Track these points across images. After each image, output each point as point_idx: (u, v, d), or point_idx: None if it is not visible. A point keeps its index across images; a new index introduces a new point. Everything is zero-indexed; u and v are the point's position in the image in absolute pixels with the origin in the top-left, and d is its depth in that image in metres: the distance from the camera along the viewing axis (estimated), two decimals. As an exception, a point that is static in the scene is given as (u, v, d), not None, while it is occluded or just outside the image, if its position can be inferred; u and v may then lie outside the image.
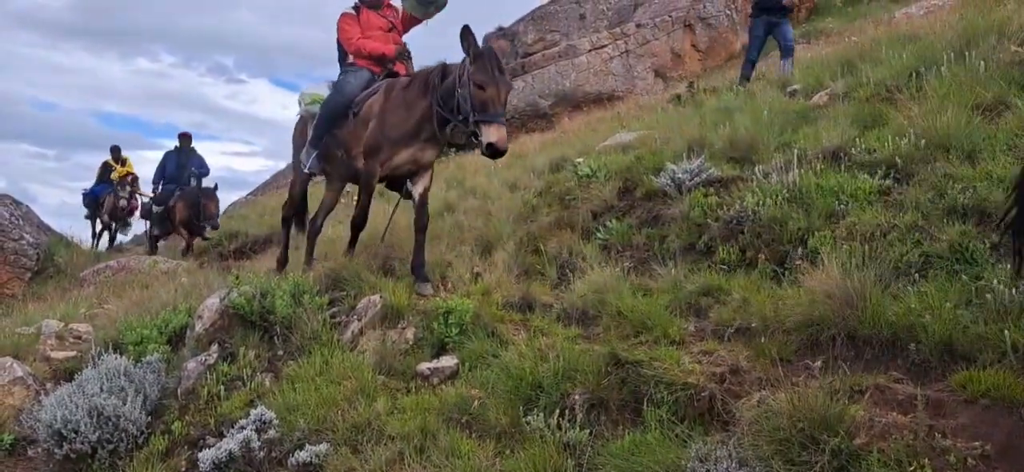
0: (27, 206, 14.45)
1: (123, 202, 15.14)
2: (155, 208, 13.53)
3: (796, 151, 5.22)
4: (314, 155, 6.08)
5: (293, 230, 7.15)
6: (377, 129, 5.45)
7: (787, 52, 9.44)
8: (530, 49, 20.53)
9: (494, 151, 4.80)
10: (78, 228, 19.24)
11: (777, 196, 4.82)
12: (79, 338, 6.26)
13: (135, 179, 15.65)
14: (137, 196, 15.50)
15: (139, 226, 15.84)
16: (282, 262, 6.87)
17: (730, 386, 3.38)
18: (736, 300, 4.13)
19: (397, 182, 5.86)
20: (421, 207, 5.44)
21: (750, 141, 5.85)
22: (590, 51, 15.35)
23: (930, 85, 5.59)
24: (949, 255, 3.84)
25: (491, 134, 4.77)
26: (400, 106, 5.43)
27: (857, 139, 5.23)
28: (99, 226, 16.26)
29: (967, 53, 5.85)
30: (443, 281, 5.36)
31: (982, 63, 5.55)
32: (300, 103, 6.48)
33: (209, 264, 10.09)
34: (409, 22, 6.30)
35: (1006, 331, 3.10)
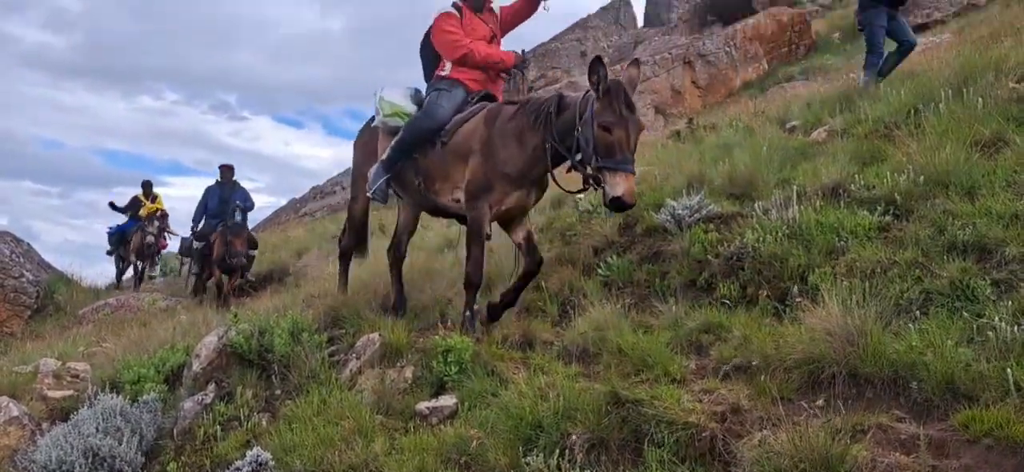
0: (28, 244, 14.46)
1: (150, 239, 14.53)
2: (196, 244, 12.74)
3: (795, 187, 5.22)
4: (384, 179, 5.32)
5: (353, 261, 6.38)
6: (486, 165, 4.79)
7: (908, 48, 8.34)
8: (532, 85, 20.69)
9: (619, 205, 4.25)
10: (79, 265, 19.20)
11: (777, 232, 4.81)
12: (76, 377, 6.21)
13: (165, 216, 15.15)
14: (166, 234, 15.00)
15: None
16: (400, 297, 5.86)
17: (731, 425, 3.35)
18: (737, 337, 4.11)
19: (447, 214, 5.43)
20: (532, 250, 4.98)
21: (749, 177, 5.86)
22: (590, 88, 15.43)
23: (928, 122, 5.60)
24: (950, 292, 3.82)
25: (618, 185, 4.19)
26: (511, 139, 4.79)
27: (856, 175, 5.24)
28: (123, 263, 15.66)
29: (965, 90, 5.88)
30: (442, 319, 5.33)
31: (980, 100, 5.57)
32: (378, 110, 5.52)
33: (208, 302, 10.07)
34: (508, 28, 5.72)
35: (1009, 369, 3.07)
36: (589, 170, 4.37)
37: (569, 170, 4.66)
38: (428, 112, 5.19)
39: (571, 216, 6.83)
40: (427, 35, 5.55)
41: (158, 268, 15.55)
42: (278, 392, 4.84)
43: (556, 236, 6.72)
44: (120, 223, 15.69)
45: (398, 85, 5.68)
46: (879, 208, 4.73)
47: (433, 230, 9.71)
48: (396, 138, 5.28)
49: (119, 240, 15.60)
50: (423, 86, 5.68)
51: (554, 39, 25.17)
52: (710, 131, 8.92)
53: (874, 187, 5.01)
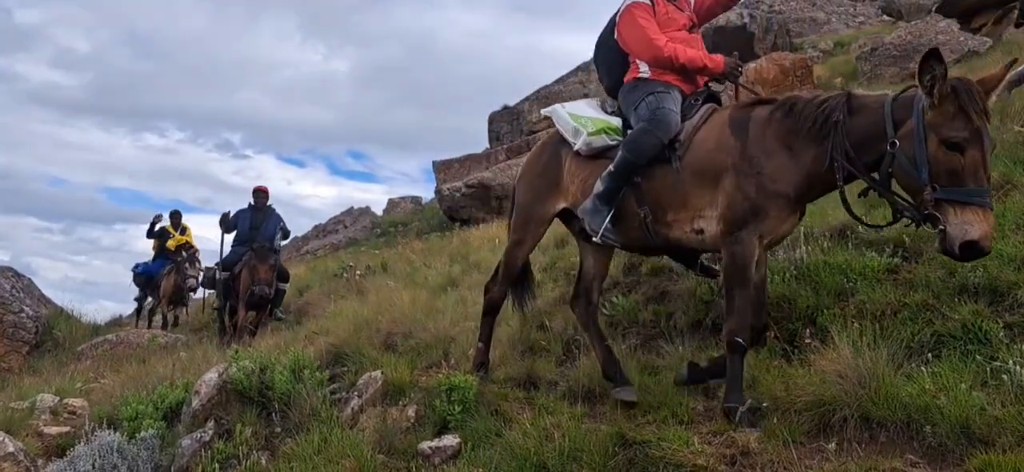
0: (28, 278, 14.41)
1: (191, 281, 12.78)
2: (220, 274, 11.02)
3: (802, 228, 5.18)
4: (608, 216, 4.14)
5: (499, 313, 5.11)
6: (751, 184, 3.72)
7: None
8: (535, 127, 20.80)
9: (973, 252, 3.14)
10: (79, 302, 18.98)
11: (785, 273, 4.77)
12: (74, 413, 6.15)
13: (196, 252, 13.47)
14: (198, 271, 12.96)
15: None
16: (482, 362, 4.90)
17: (741, 468, 3.29)
18: (745, 379, 4.04)
19: (687, 255, 4.46)
20: (762, 290, 4.03)
21: (756, 218, 5.82)
22: (594, 129, 15.49)
23: (935, 164, 5.58)
24: (962, 335, 3.77)
25: (971, 226, 3.09)
26: (777, 147, 3.74)
27: (864, 217, 5.20)
28: (149, 303, 14.10)
29: (971, 133, 5.86)
30: (446, 358, 5.27)
31: (986, 143, 5.55)
32: (577, 129, 4.43)
33: (209, 339, 10.00)
34: (705, 19, 4.77)
35: (1025, 414, 3.01)
36: (920, 203, 3.28)
37: (862, 194, 3.71)
38: (657, 120, 4.09)
39: (575, 255, 6.79)
40: (609, 30, 4.66)
41: (185, 309, 13.56)
42: (278, 430, 4.76)
43: (560, 275, 6.69)
44: (146, 262, 14.11)
45: (576, 101, 4.83)
46: (887, 250, 4.69)
47: (434, 268, 9.68)
48: (615, 161, 4.14)
49: (146, 281, 13.91)
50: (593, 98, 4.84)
51: (557, 82, 25.31)
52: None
53: (882, 229, 4.97)
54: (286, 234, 11.43)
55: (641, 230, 4.17)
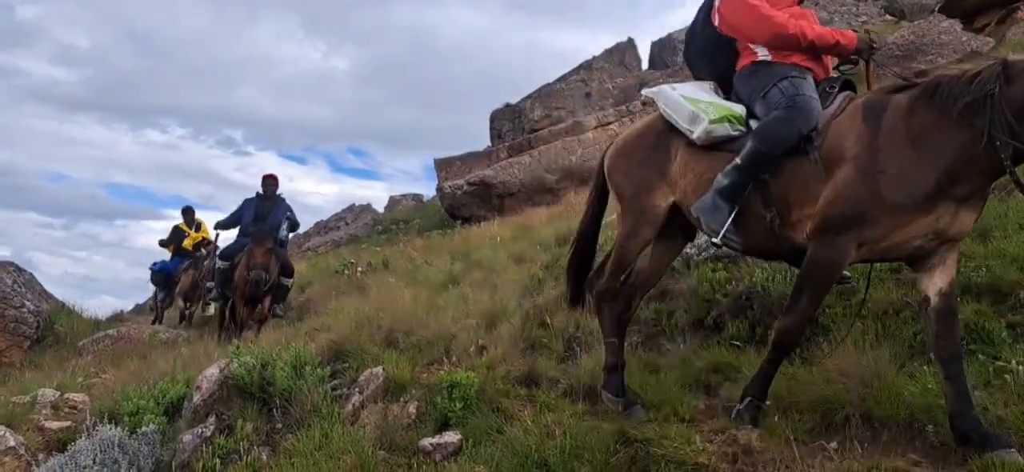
0: (30, 273, 14.41)
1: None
2: (219, 264, 10.26)
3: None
4: (730, 214, 3.63)
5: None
6: (863, 185, 3.27)
7: None
8: (536, 125, 20.80)
9: None
10: (79, 297, 18.86)
11: (787, 272, 4.76)
12: (74, 408, 6.14)
13: (214, 248, 12.04)
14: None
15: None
16: (616, 365, 4.22)
17: (743, 466, 3.28)
18: (747, 377, 4.03)
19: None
20: (948, 317, 3.27)
21: (758, 217, 5.81)
22: (596, 128, 15.51)
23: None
24: (965, 335, 3.76)
25: None
26: (911, 146, 3.24)
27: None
28: (165, 301, 13.63)
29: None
30: (447, 355, 5.27)
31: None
32: (695, 116, 3.86)
33: (210, 335, 9.99)
34: None
35: (1028, 414, 3.00)
36: None
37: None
38: (798, 108, 3.57)
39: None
40: (703, 17, 4.23)
41: (213, 308, 12.22)
42: (279, 426, 4.76)
43: (562, 274, 6.67)
44: (164, 260, 13.62)
45: (684, 83, 4.24)
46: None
47: (436, 266, 9.68)
48: (744, 152, 3.61)
49: (165, 280, 13.40)
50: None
51: (559, 80, 25.29)
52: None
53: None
54: (294, 226, 10.72)
55: (765, 233, 3.64)
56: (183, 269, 12.76)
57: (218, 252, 10.61)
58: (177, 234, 13.42)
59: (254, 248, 9.37)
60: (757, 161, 3.58)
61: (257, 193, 10.58)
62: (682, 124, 3.93)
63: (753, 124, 3.78)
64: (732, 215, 3.62)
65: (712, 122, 3.80)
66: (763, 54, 3.87)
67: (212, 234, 12.35)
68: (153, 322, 13.42)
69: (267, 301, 9.69)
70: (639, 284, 4.41)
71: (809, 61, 3.83)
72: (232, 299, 9.98)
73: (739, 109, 3.87)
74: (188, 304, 12.56)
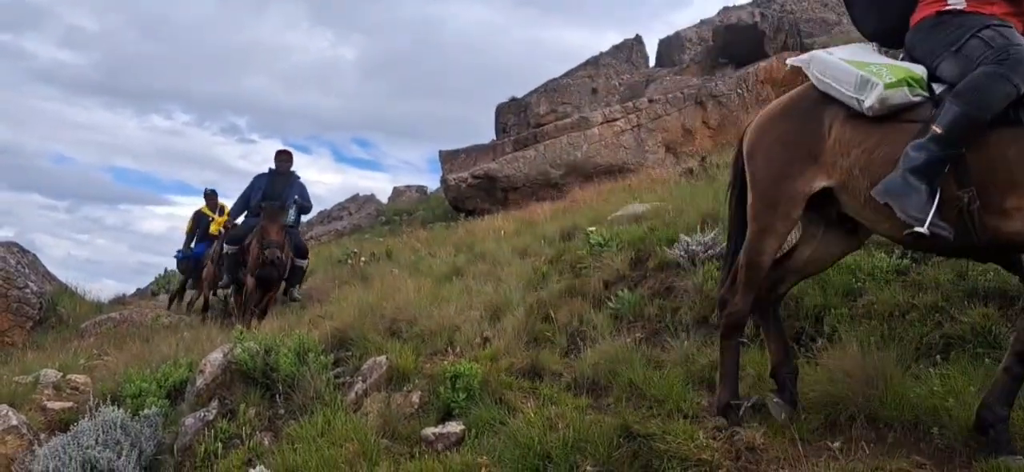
0: (33, 254, 14.40)
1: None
2: (227, 248, 9.54)
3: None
4: (933, 196, 2.92)
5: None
6: None
7: None
8: (542, 120, 20.79)
9: None
10: (82, 280, 18.72)
11: (792, 271, 4.74)
12: (77, 389, 6.16)
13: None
14: None
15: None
16: (728, 402, 3.67)
17: (746, 464, 3.27)
18: (751, 376, 4.03)
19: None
20: None
21: (764, 216, 5.79)
22: (602, 124, 15.48)
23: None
24: (972, 338, 3.75)
25: None
26: None
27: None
28: (191, 289, 12.64)
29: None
30: (450, 345, 5.27)
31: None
32: (872, 80, 3.18)
33: (211, 320, 10.00)
34: None
35: (1035, 418, 2.99)
36: None
37: None
38: (1015, 61, 2.93)
39: (581, 248, 6.78)
40: None
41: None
42: (281, 412, 4.77)
43: (565, 268, 6.67)
44: (189, 248, 12.68)
45: (841, 47, 3.63)
46: (897, 251, 4.67)
47: (439, 257, 9.67)
48: (944, 119, 2.96)
49: (193, 268, 12.33)
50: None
51: (565, 75, 25.27)
52: (724, 169, 8.88)
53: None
54: (304, 208, 9.99)
55: (958, 221, 2.97)
56: (210, 256, 11.64)
57: (226, 235, 10.04)
58: (201, 220, 12.58)
59: (267, 225, 8.70)
60: (963, 128, 2.92)
61: (269, 168, 10.01)
62: (847, 92, 3.30)
63: (937, 88, 3.17)
64: (937, 198, 2.93)
65: (888, 87, 3.15)
66: (955, 1, 3.25)
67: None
68: (170, 307, 12.70)
69: (279, 287, 9.27)
70: (791, 272, 3.82)
71: (1013, 13, 3.20)
72: (243, 285, 9.35)
73: (919, 70, 3.23)
74: (214, 292, 11.54)
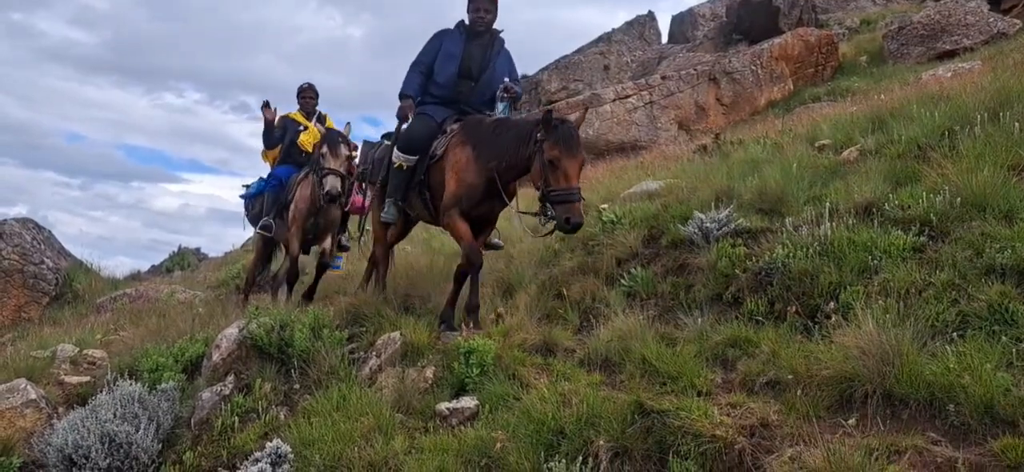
0: (49, 231, 14.51)
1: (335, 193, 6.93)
2: (400, 157, 5.75)
3: (827, 205, 5.12)
4: None
5: None
6: None
7: None
8: (553, 97, 20.69)
9: None
10: (95, 256, 18.82)
11: (808, 249, 4.72)
12: (94, 364, 6.22)
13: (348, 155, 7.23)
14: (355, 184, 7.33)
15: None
16: None
17: (760, 440, 3.28)
18: (765, 353, 4.02)
19: None
20: None
21: (779, 193, 5.77)
22: (614, 101, 15.39)
23: (964, 144, 5.50)
24: (988, 315, 3.72)
25: None
26: None
27: (890, 195, 5.14)
28: (274, 233, 7.86)
29: (1002, 114, 5.77)
30: (464, 322, 5.28)
31: (1017, 124, 5.47)
32: None
33: (227, 297, 10.05)
34: None
35: (1052, 396, 2.98)
36: None
37: None
38: None
39: (594, 226, 6.75)
40: None
41: (345, 238, 8.31)
42: (297, 387, 4.80)
43: (578, 245, 6.65)
44: (260, 178, 8.38)
45: None
46: (913, 229, 4.63)
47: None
48: None
49: (273, 205, 7.92)
50: None
51: (577, 52, 25.13)
52: (738, 147, 8.83)
53: (908, 207, 4.90)
54: (516, 96, 5.96)
55: None
56: (298, 180, 7.69)
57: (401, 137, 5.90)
58: (287, 127, 8.29)
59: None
60: None
61: (460, 23, 6.06)
62: None
63: None
64: None
65: None
66: None
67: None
68: (254, 279, 8.84)
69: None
70: None
71: None
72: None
73: None
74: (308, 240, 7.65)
